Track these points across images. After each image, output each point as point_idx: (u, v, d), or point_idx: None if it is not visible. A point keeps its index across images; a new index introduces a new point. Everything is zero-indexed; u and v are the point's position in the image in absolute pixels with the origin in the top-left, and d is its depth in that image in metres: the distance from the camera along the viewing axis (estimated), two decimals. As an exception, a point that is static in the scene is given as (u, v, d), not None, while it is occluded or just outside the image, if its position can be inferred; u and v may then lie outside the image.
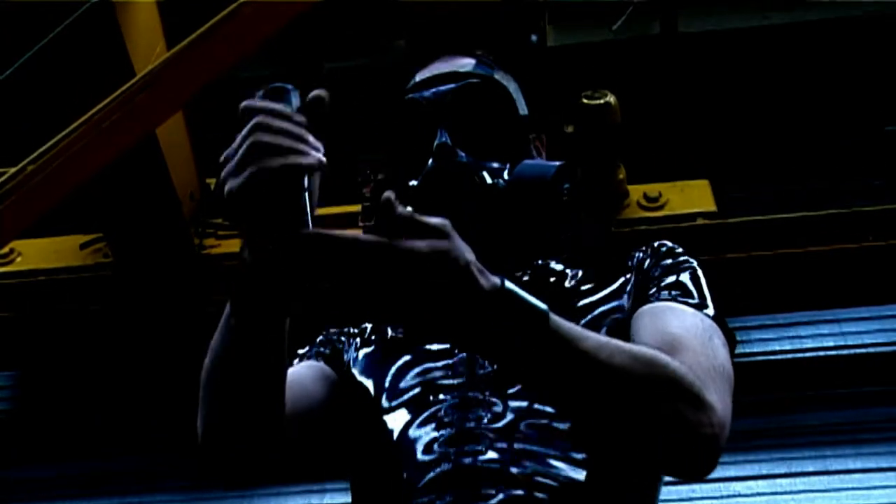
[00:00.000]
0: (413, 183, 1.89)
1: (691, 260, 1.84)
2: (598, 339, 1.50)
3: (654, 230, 4.36)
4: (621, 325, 1.78)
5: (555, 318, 1.44)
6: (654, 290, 1.77)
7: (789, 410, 4.32)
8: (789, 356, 4.45)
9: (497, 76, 1.99)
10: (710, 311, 1.74)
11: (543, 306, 1.43)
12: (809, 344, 4.47)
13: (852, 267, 4.38)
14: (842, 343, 4.46)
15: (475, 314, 1.38)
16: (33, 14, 3.73)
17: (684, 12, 4.86)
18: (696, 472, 1.59)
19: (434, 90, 1.94)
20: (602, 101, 4.18)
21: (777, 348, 4.47)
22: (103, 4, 3.70)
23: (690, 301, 1.73)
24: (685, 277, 1.79)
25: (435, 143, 1.86)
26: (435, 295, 1.33)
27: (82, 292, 4.58)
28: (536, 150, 2.05)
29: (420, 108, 1.93)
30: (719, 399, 1.58)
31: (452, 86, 1.93)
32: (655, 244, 1.89)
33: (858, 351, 4.44)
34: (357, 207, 4.42)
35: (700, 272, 1.81)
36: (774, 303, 4.49)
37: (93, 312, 4.58)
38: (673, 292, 1.74)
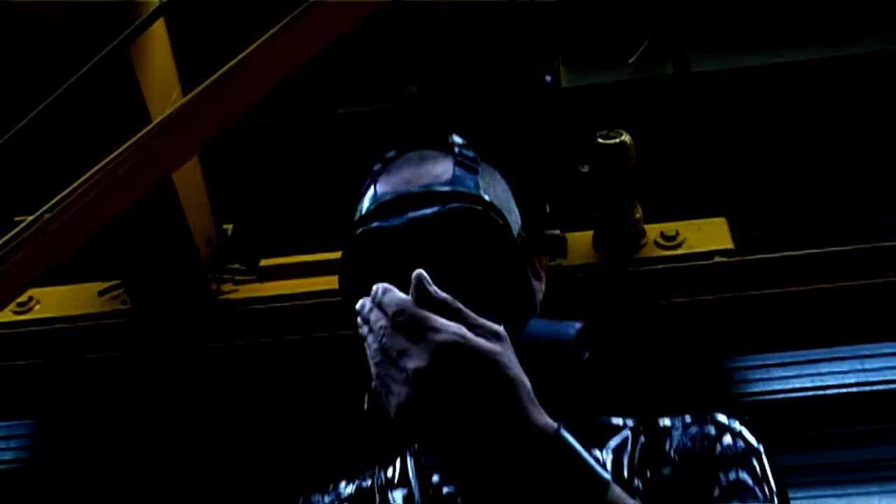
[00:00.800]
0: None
1: (752, 444, 1.61)
2: None
3: (672, 269, 4.35)
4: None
5: (616, 489, 1.25)
6: (712, 490, 1.53)
7: (811, 448, 4.29)
8: (810, 393, 4.43)
9: (483, 187, 1.63)
10: None
11: (606, 474, 1.24)
12: (831, 381, 4.45)
13: (874, 302, 4.35)
14: (864, 380, 4.43)
15: (513, 453, 1.21)
16: (50, 60, 3.76)
17: (697, 52, 4.87)
18: None
19: (405, 217, 1.57)
20: (617, 141, 4.18)
21: (798, 385, 4.45)
22: (119, 52, 3.72)
23: (755, 500, 1.51)
24: (745, 475, 1.54)
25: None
26: (470, 408, 1.21)
27: (101, 339, 4.58)
28: (535, 272, 1.70)
29: (386, 242, 1.57)
30: None
31: (429, 211, 1.56)
32: (707, 418, 1.64)
33: (881, 387, 4.41)
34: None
35: (763, 457, 1.59)
36: (794, 340, 4.47)
37: (111, 359, 4.58)
38: (735, 493, 1.51)
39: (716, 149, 4.91)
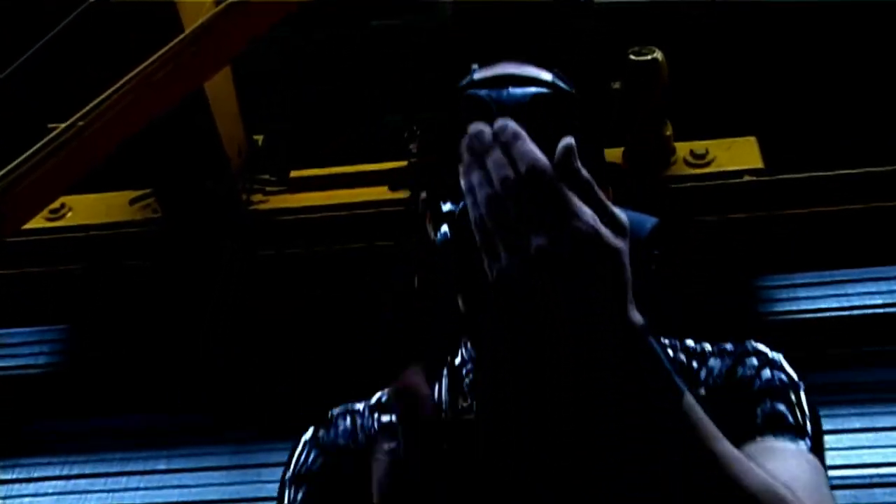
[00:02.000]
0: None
1: (793, 378, 1.60)
2: (733, 451, 1.28)
3: (700, 187, 4.35)
4: None
5: (689, 398, 1.24)
6: (749, 420, 1.52)
7: (835, 367, 4.29)
8: (836, 314, 4.43)
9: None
10: (809, 441, 1.54)
11: (682, 384, 1.23)
12: (857, 301, 4.44)
13: (901, 224, 4.36)
14: (890, 301, 4.43)
15: (607, 350, 1.20)
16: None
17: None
18: None
19: (507, 91, 1.57)
20: (649, 58, 4.16)
21: (824, 306, 4.45)
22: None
23: (789, 433, 1.52)
24: (783, 407, 1.56)
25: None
26: (579, 300, 1.17)
27: (132, 247, 4.62)
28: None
29: (485, 109, 1.54)
30: None
31: (532, 90, 1.57)
32: (748, 348, 1.63)
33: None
34: (403, 163, 4.44)
35: (802, 393, 1.59)
36: (822, 260, 4.47)
37: (142, 267, 4.63)
38: (772, 424, 1.51)
39: (747, 69, 4.88)
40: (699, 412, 1.24)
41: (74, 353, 4.83)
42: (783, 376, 1.58)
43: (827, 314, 4.44)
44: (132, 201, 4.67)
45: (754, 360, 1.60)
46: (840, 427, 4.16)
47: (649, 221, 1.43)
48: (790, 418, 1.53)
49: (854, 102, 4.87)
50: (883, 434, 4.14)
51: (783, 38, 4.90)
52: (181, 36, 3.57)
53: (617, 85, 4.24)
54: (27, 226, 4.26)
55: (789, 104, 4.90)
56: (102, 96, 3.57)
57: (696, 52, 4.76)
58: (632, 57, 4.17)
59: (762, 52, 4.90)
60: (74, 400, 4.70)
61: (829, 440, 4.17)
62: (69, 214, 4.70)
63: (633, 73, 4.18)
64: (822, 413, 3.81)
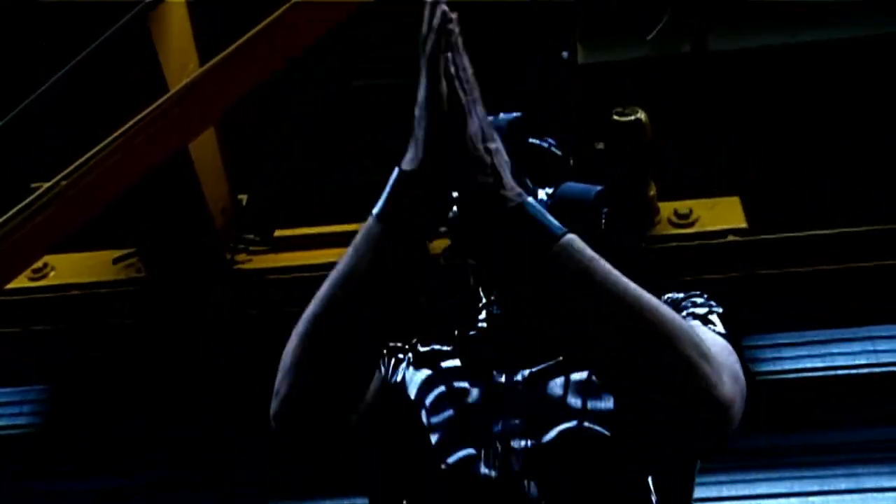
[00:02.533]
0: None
1: (714, 306, 1.97)
2: (617, 275, 1.59)
3: (684, 247, 4.36)
4: None
5: (576, 242, 1.60)
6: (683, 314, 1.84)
7: (821, 428, 4.30)
8: (821, 374, 4.43)
9: None
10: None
11: (561, 229, 1.60)
12: (841, 361, 4.45)
13: (885, 284, 4.36)
14: (874, 361, 4.43)
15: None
16: (68, 30, 3.77)
17: (714, 31, 4.85)
18: (708, 435, 1.64)
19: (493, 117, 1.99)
20: (633, 118, 4.18)
21: (809, 365, 4.45)
22: (136, 22, 3.74)
23: (715, 329, 1.84)
24: (714, 317, 1.91)
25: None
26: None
27: (115, 307, 4.61)
28: None
29: None
30: (730, 374, 1.65)
31: (509, 117, 2.10)
32: (701, 294, 2.02)
33: (892, 369, 4.41)
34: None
35: (718, 315, 1.93)
36: (806, 320, 4.48)
37: (125, 326, 4.61)
38: (698, 318, 1.86)
39: (730, 128, 4.90)
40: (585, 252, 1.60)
41: (55, 414, 4.80)
42: (709, 303, 1.98)
43: (811, 374, 4.44)
44: (115, 261, 4.66)
45: (697, 298, 2.00)
46: (826, 488, 4.15)
47: (595, 188, 1.99)
48: (700, 313, 1.90)
49: (837, 163, 4.88)
50: (870, 495, 4.13)
51: (768, 98, 4.92)
52: (166, 95, 3.58)
53: (600, 145, 4.25)
54: (9, 285, 4.25)
55: (772, 164, 4.91)
56: (87, 156, 3.58)
57: (679, 112, 4.78)
58: (615, 117, 4.19)
59: (746, 110, 4.92)
60: (55, 461, 4.67)
61: (815, 502, 4.17)
62: (52, 274, 4.69)
63: (616, 134, 4.19)
64: (808, 474, 3.84)
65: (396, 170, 1.74)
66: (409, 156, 1.73)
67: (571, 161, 2.17)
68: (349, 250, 1.74)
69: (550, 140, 2.14)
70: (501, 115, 2.08)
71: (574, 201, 1.97)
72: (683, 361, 1.55)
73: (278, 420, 1.71)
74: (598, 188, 1.99)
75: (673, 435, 1.67)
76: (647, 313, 1.57)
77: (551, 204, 1.94)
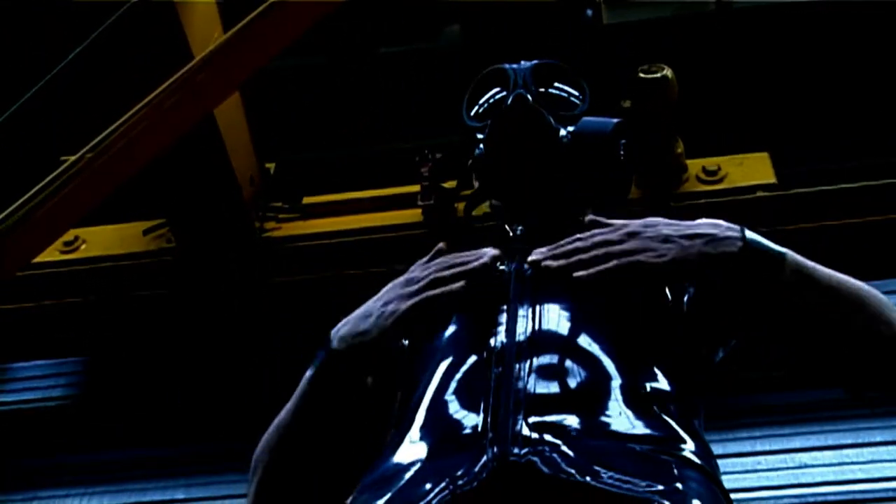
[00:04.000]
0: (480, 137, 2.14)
1: None
2: (826, 270, 1.84)
3: (713, 203, 4.34)
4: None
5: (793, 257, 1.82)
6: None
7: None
8: (854, 328, 4.40)
9: None
10: None
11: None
12: (875, 314, 4.41)
13: (916, 235, 4.34)
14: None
15: None
16: (91, 4, 3.78)
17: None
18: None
19: (519, 63, 2.20)
20: (659, 76, 4.16)
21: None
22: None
23: None
24: None
25: (512, 93, 2.10)
26: None
27: (146, 278, 4.63)
28: None
29: (504, 74, 2.19)
30: None
31: (537, 61, 2.22)
32: None
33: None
34: (415, 188, 4.44)
35: None
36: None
37: (157, 297, 4.64)
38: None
39: (757, 84, 4.88)
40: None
41: (91, 385, 4.83)
42: None
43: (843, 328, 4.40)
44: (145, 232, 4.68)
45: None
46: (861, 441, 4.12)
47: (612, 121, 2.09)
48: None
49: (865, 116, 4.86)
50: (905, 446, 4.12)
51: (794, 53, 4.90)
52: (190, 64, 3.59)
53: (627, 103, 4.23)
54: (41, 258, 4.28)
55: (800, 119, 4.89)
56: (111, 128, 3.59)
57: (706, 68, 4.77)
58: (641, 75, 4.17)
59: (773, 66, 4.89)
60: (91, 432, 4.70)
61: (849, 454, 4.15)
62: (83, 247, 4.71)
63: (642, 91, 4.18)
64: (843, 427, 3.87)
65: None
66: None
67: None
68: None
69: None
70: (605, 119, 2.13)
71: (593, 134, 2.07)
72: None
73: None
74: (616, 120, 2.09)
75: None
76: (860, 293, 1.82)
77: (570, 141, 2.08)
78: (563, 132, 2.09)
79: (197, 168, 4.33)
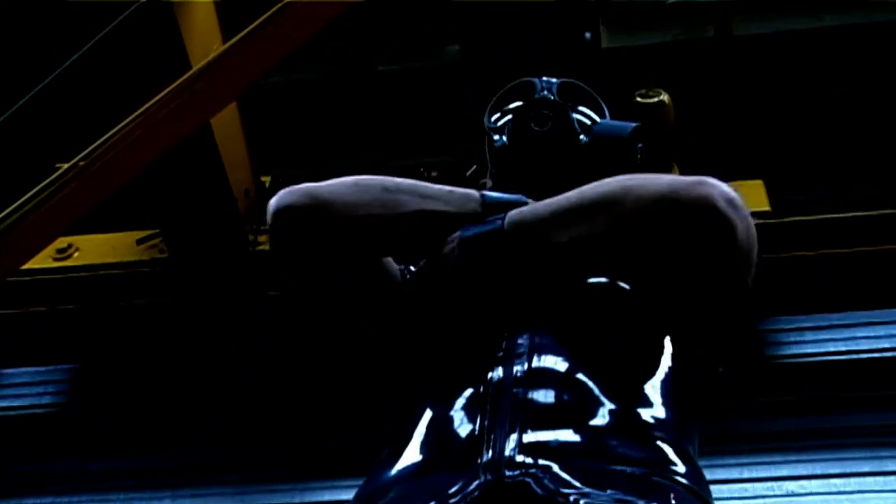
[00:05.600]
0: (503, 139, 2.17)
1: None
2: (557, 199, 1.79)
3: (707, 229, 4.34)
4: None
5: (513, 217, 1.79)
6: None
7: (844, 411, 4.28)
8: (844, 357, 4.42)
9: None
10: None
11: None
12: (864, 345, 4.43)
13: (911, 267, 4.35)
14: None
15: None
16: (91, 8, 3.79)
17: (739, 16, 4.85)
18: (715, 222, 1.70)
19: (546, 78, 2.25)
20: (656, 100, 4.16)
21: (832, 349, 4.44)
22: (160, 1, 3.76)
23: None
24: None
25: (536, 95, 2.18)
26: None
27: (139, 287, 4.63)
28: None
29: (531, 86, 2.23)
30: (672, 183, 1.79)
31: (563, 79, 2.27)
32: None
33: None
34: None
35: None
36: (829, 303, 4.46)
37: (149, 307, 4.63)
38: None
39: (754, 111, 4.90)
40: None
41: (80, 393, 4.83)
42: None
43: (834, 357, 4.43)
44: (139, 241, 4.68)
45: None
46: (849, 470, 4.13)
47: (630, 125, 2.15)
48: None
49: (861, 147, 4.88)
50: (892, 478, 4.11)
51: (791, 82, 4.92)
52: (189, 72, 3.59)
53: (624, 126, 4.24)
54: (34, 265, 4.28)
55: (796, 148, 4.91)
56: (107, 135, 3.59)
57: (703, 94, 4.78)
58: (638, 99, 4.18)
59: (770, 95, 4.91)
60: (79, 440, 4.70)
61: (837, 484, 4.16)
62: (76, 254, 4.71)
63: (639, 115, 4.17)
64: (830, 457, 3.84)
65: (523, 199, 1.90)
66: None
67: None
68: (444, 189, 1.90)
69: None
70: (623, 122, 2.20)
71: (611, 138, 2.13)
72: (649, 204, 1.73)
73: (296, 208, 1.82)
74: (634, 124, 2.16)
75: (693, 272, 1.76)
76: (593, 201, 1.76)
77: (589, 142, 2.13)
78: (582, 137, 2.14)
79: (193, 179, 4.34)
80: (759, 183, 4.55)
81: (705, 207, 1.69)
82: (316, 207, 1.80)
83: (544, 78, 2.24)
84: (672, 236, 1.69)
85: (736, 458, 4.17)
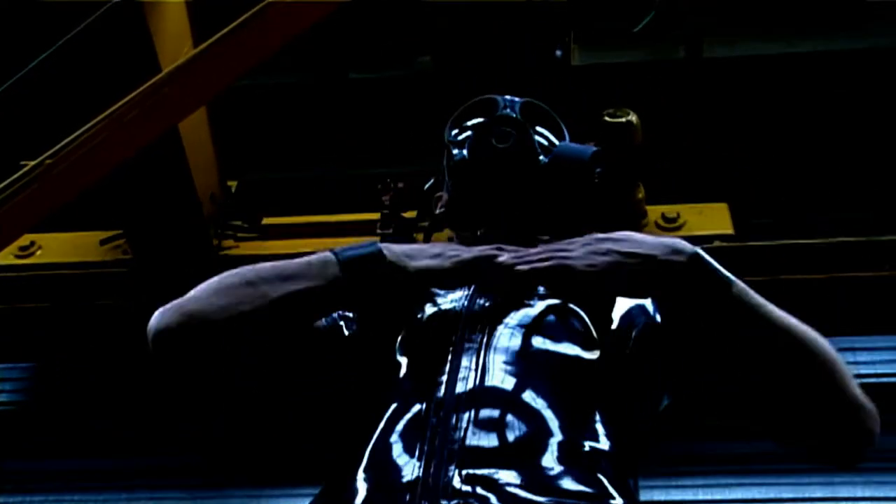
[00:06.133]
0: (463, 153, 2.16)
1: None
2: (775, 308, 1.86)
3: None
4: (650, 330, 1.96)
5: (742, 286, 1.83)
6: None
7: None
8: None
9: None
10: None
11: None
12: (822, 371, 4.45)
13: (868, 295, 4.37)
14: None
15: None
16: (62, 8, 3.77)
17: (709, 38, 4.87)
18: (851, 453, 1.86)
19: (509, 96, 2.24)
20: (624, 120, 4.19)
21: (789, 374, 4.46)
22: (131, 3, 3.75)
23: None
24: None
25: (498, 112, 2.17)
26: None
27: (100, 287, 4.61)
28: None
29: (493, 103, 2.22)
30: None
31: (527, 98, 2.25)
32: None
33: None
34: (375, 215, 4.45)
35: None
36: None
37: (110, 307, 4.61)
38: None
39: (721, 134, 4.92)
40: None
41: (37, 392, 4.80)
42: None
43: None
44: (102, 242, 4.66)
45: None
46: (801, 496, 4.16)
47: (590, 149, 2.13)
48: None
49: (826, 173, 4.91)
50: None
51: (759, 107, 4.95)
52: (159, 75, 3.59)
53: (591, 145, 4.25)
54: (-4, 262, 4.26)
55: (761, 172, 4.94)
56: (74, 134, 3.58)
57: (671, 115, 4.80)
58: (606, 118, 4.20)
59: (738, 118, 4.94)
60: (34, 439, 4.67)
61: (790, 508, 4.12)
62: (38, 252, 4.69)
63: (607, 135, 4.20)
64: (784, 481, 3.87)
65: (377, 247, 1.88)
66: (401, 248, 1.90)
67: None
68: (303, 263, 1.90)
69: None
70: (583, 146, 2.19)
71: (570, 160, 2.11)
72: (845, 387, 1.87)
73: (171, 329, 1.87)
74: (594, 149, 2.15)
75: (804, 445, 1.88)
76: (813, 343, 1.85)
77: (548, 163, 2.11)
78: (542, 157, 2.13)
79: (158, 181, 4.32)
80: (723, 206, 4.58)
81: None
82: (188, 324, 1.85)
83: (507, 96, 2.23)
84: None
85: (691, 480, 4.18)
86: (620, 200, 4.37)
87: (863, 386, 4.36)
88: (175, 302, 1.90)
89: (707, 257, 1.81)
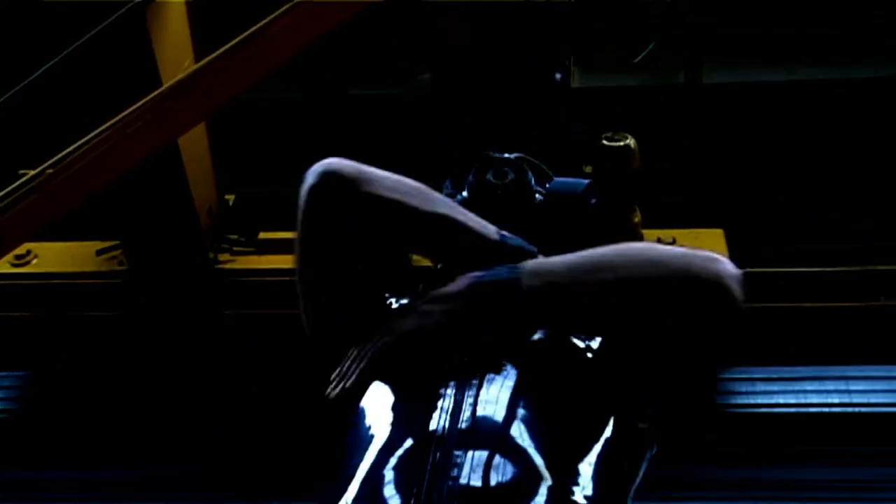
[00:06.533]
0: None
1: None
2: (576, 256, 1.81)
3: (665, 275, 4.36)
4: None
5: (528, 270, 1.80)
6: None
7: (789, 464, 4.31)
8: (793, 410, 4.45)
9: None
10: None
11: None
12: (814, 399, 4.47)
13: (862, 325, 4.38)
14: (847, 401, 4.45)
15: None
16: (65, 18, 3.78)
17: (709, 64, 4.89)
18: (724, 303, 1.84)
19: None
20: (622, 144, 4.18)
21: (781, 402, 4.47)
22: (135, 13, 3.75)
23: None
24: None
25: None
26: None
27: (96, 298, 4.61)
28: None
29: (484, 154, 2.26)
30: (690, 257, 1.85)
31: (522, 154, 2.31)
32: None
33: (864, 410, 4.43)
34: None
35: None
36: (781, 356, 4.49)
37: (105, 319, 4.61)
38: None
39: (719, 160, 4.93)
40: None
41: (30, 402, 4.80)
42: None
43: (783, 409, 4.46)
44: (99, 252, 4.66)
45: None
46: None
47: (584, 182, 2.24)
48: None
49: (822, 202, 4.92)
50: (835, 532, 4.15)
51: (758, 134, 4.96)
52: (160, 89, 3.59)
53: (588, 168, 4.26)
54: (-9, 270, 4.26)
55: (757, 199, 4.94)
56: (75, 145, 3.58)
57: (669, 142, 4.81)
58: (604, 142, 4.20)
59: (736, 145, 4.95)
60: (26, 449, 4.66)
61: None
62: (34, 261, 4.68)
63: (604, 158, 4.20)
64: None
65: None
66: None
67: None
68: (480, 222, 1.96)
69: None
70: (576, 179, 2.28)
71: (565, 194, 2.22)
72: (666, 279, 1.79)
73: (341, 175, 1.92)
74: (587, 181, 2.25)
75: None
76: (611, 265, 1.78)
77: (545, 199, 2.21)
78: (537, 195, 2.22)
79: (156, 193, 4.33)
80: (719, 232, 4.58)
81: (719, 286, 1.83)
82: (360, 180, 1.90)
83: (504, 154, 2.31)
84: (685, 308, 1.81)
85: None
86: (616, 224, 4.38)
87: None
88: (351, 161, 1.94)
89: (484, 279, 1.82)
